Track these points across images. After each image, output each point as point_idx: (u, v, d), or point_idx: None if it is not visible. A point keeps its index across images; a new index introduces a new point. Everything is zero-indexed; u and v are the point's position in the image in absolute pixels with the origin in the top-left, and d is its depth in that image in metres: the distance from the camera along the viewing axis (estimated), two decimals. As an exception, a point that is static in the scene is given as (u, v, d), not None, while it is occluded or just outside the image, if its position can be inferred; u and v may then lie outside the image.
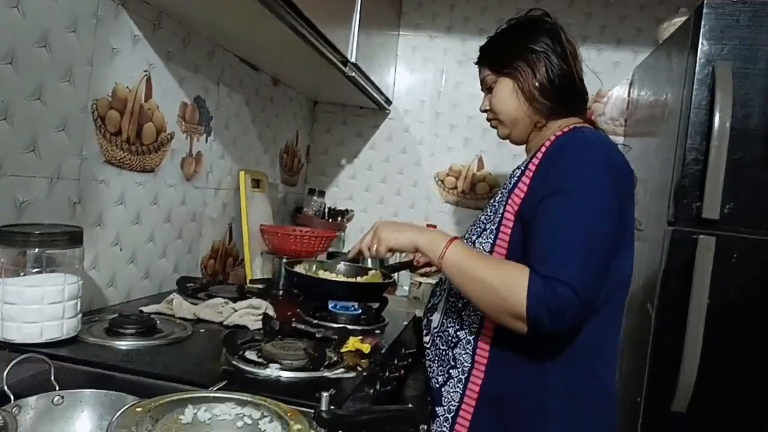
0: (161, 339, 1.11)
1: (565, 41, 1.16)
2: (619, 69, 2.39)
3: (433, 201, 2.57)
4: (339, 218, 2.53)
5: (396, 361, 1.31)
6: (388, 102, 2.53)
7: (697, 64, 1.56)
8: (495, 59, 1.19)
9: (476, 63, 1.25)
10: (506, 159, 2.49)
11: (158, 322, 1.19)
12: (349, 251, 1.31)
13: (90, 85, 1.21)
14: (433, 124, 2.57)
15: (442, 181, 2.56)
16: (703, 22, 1.56)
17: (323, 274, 1.63)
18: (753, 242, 1.55)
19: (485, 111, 1.25)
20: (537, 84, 1.13)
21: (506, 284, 0.97)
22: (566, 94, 1.15)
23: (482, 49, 1.24)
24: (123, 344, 1.06)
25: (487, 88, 1.23)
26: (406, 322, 1.54)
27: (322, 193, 2.54)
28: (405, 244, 1.12)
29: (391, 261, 2.36)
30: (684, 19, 1.81)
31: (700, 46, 1.56)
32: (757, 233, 1.55)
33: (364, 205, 2.62)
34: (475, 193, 2.53)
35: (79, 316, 1.06)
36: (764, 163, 1.53)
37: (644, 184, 1.72)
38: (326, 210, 2.55)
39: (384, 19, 2.31)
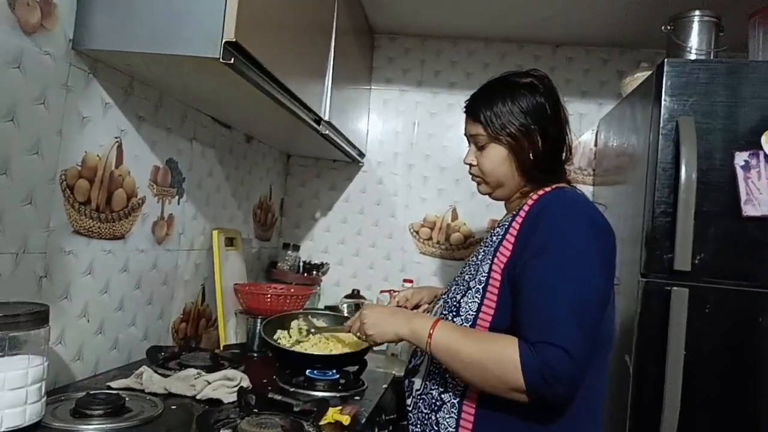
0: (131, 420, 1.06)
1: (561, 108, 1.17)
2: (585, 120, 2.46)
3: (409, 252, 2.56)
4: (314, 272, 2.51)
5: (376, 430, 1.27)
6: (362, 155, 2.55)
7: (662, 119, 1.62)
8: (492, 123, 1.15)
9: (465, 112, 1.22)
10: (480, 209, 2.51)
11: (127, 399, 1.14)
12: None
13: (59, 155, 1.19)
14: (407, 175, 2.58)
15: (417, 233, 2.56)
16: (665, 79, 1.62)
17: (301, 346, 1.56)
18: (725, 292, 1.57)
19: (470, 165, 1.23)
20: (532, 157, 1.14)
21: (498, 361, 0.97)
22: (557, 163, 1.18)
23: (476, 104, 1.19)
24: (90, 428, 1.01)
25: (477, 146, 1.20)
26: (385, 385, 1.51)
27: (296, 247, 2.52)
28: (390, 338, 1.16)
29: None
30: (646, 74, 1.87)
31: (663, 101, 1.62)
32: (729, 283, 1.57)
33: (339, 258, 2.60)
34: (450, 243, 2.54)
35: (44, 399, 1.00)
36: (730, 213, 1.57)
37: (617, 231, 1.74)
38: (301, 264, 2.52)
39: (356, 74, 2.35)
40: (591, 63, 2.48)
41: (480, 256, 1.15)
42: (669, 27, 1.81)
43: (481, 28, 2.43)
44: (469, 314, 1.09)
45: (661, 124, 1.61)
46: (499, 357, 0.97)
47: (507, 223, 1.14)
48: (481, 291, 1.09)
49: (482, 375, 1.00)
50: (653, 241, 1.59)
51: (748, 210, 1.54)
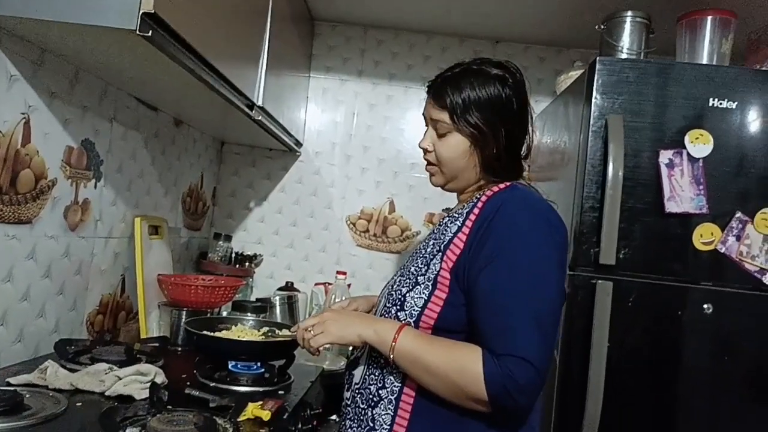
0: (28, 418, 0.97)
1: (529, 105, 1.14)
2: (522, 116, 2.48)
3: (345, 244, 2.53)
4: (246, 263, 2.43)
5: (300, 425, 1.23)
6: (299, 144, 2.49)
7: (592, 116, 1.64)
8: (458, 109, 1.09)
9: (431, 95, 1.14)
10: (417, 202, 2.50)
11: (27, 396, 1.06)
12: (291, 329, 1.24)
13: (-48, 129, 1.08)
14: (344, 166, 2.54)
15: (354, 225, 2.53)
16: (596, 77, 1.64)
17: (225, 333, 1.51)
18: (648, 286, 1.62)
19: (425, 150, 1.17)
20: (494, 149, 1.10)
21: (461, 371, 0.95)
22: (517, 160, 1.15)
23: (443, 87, 1.12)
24: (-21, 428, 0.92)
25: (438, 133, 1.13)
26: (312, 379, 1.47)
27: (228, 238, 2.44)
28: (352, 339, 1.07)
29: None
30: (579, 72, 1.90)
31: (593, 99, 1.64)
32: (652, 277, 1.62)
33: (273, 250, 2.54)
34: (386, 236, 2.52)
35: (-75, 397, 0.91)
36: (655, 210, 1.61)
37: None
38: (233, 255, 2.44)
39: (294, 61, 2.28)
40: (529, 60, 2.51)
41: (429, 250, 1.10)
42: (602, 26, 1.85)
43: (423, 20, 2.42)
44: (414, 309, 1.06)
45: (591, 122, 1.63)
46: (462, 366, 0.95)
47: (459, 219, 1.10)
48: (429, 287, 1.05)
49: (444, 383, 0.97)
50: (580, 235, 1.62)
51: (671, 207, 1.58)
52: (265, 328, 1.58)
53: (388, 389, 1.07)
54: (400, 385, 1.06)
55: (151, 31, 1.07)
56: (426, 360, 0.98)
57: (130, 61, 1.34)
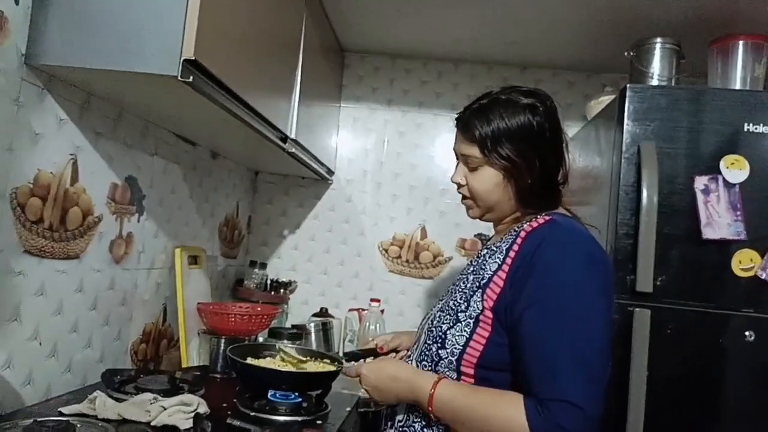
0: (79, 450, 1.01)
1: (562, 132, 1.11)
2: (552, 140, 2.48)
3: (377, 271, 2.55)
4: (282, 290, 2.47)
5: (338, 456, 1.25)
6: (330, 172, 2.53)
7: (624, 143, 1.64)
8: (488, 145, 1.07)
9: (459, 128, 1.13)
10: (449, 228, 2.52)
11: (78, 426, 1.09)
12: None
13: (9, 172, 1.15)
14: (376, 194, 2.58)
15: (386, 251, 2.55)
16: (627, 104, 1.64)
17: (265, 362, 1.53)
18: (687, 313, 1.59)
19: (458, 185, 1.15)
20: (529, 180, 1.06)
21: (505, 427, 0.92)
22: (554, 191, 1.12)
23: (471, 120, 1.10)
24: (34, 459, 0.96)
25: (469, 167, 1.12)
26: (349, 408, 1.48)
27: (263, 265, 2.48)
28: (391, 403, 1.11)
29: (347, 342, 2.31)
30: (610, 98, 1.91)
31: (625, 125, 1.64)
32: (689, 305, 1.59)
33: (307, 276, 2.57)
34: (419, 262, 2.53)
35: (-15, 429, 0.96)
36: (691, 237, 1.59)
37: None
38: (268, 282, 2.48)
39: (325, 92, 2.34)
40: (557, 86, 2.51)
41: (468, 285, 1.08)
42: (632, 53, 1.85)
43: (450, 49, 2.46)
44: (455, 348, 1.03)
45: (624, 148, 1.63)
46: (507, 423, 0.92)
47: (498, 254, 1.07)
48: (471, 325, 1.02)
49: None
50: (616, 262, 1.60)
51: (708, 233, 1.56)
52: (308, 356, 1.59)
53: (433, 427, 1.06)
54: (446, 424, 1.04)
55: (192, 77, 1.13)
56: (467, 416, 0.97)
57: (170, 103, 1.40)
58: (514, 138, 1.06)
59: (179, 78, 1.10)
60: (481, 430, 0.96)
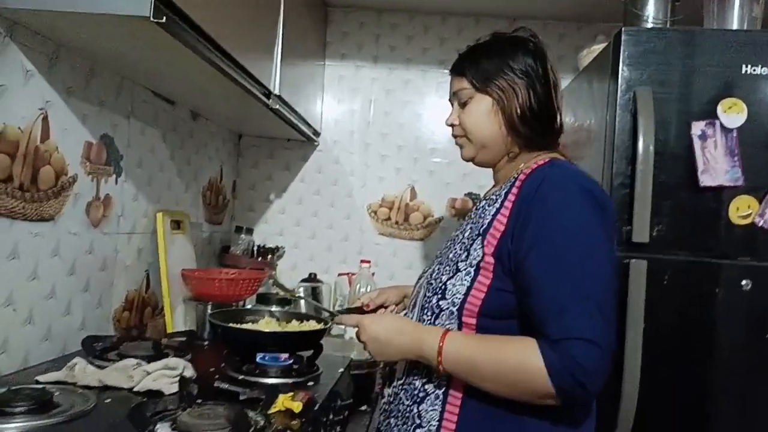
0: (58, 416, 0.96)
1: (550, 69, 1.10)
2: (543, 95, 2.42)
3: (367, 233, 2.50)
4: (269, 256, 2.42)
5: (332, 416, 1.21)
6: (316, 134, 2.46)
7: (619, 90, 1.58)
8: (476, 72, 1.10)
9: (451, 71, 1.16)
10: (439, 187, 2.47)
11: (56, 393, 1.05)
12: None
13: (-30, 127, 1.07)
14: (363, 154, 2.51)
15: (375, 213, 2.50)
16: (622, 48, 1.58)
17: (251, 326, 1.49)
18: (683, 263, 1.56)
19: (452, 126, 1.15)
20: (518, 109, 1.06)
21: (521, 371, 0.89)
22: (545, 126, 1.09)
23: (462, 57, 1.14)
24: (10, 427, 0.91)
25: (461, 103, 1.13)
26: (341, 369, 1.45)
27: (250, 231, 2.42)
28: (390, 359, 1.07)
29: (338, 306, 2.27)
30: (602, 46, 1.84)
31: (620, 71, 1.58)
32: (687, 254, 1.56)
33: (295, 241, 2.52)
34: (409, 223, 2.49)
35: (-44, 396, 0.90)
36: (688, 184, 1.55)
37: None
38: (255, 248, 2.43)
39: (308, 49, 2.25)
40: (548, 38, 2.44)
41: (467, 234, 1.06)
42: (625, -4, 1.78)
43: (437, 1, 2.37)
44: (456, 297, 1.01)
45: (618, 96, 1.57)
46: (520, 364, 0.89)
47: (498, 199, 1.05)
48: (472, 273, 1.00)
49: (506, 387, 0.92)
50: (612, 213, 1.57)
51: (705, 180, 1.52)
52: (294, 320, 1.56)
53: (435, 383, 1.02)
54: (447, 378, 1.01)
55: (164, 17, 1.04)
56: (480, 367, 0.93)
57: (145, 52, 1.31)
58: (501, 65, 1.08)
59: (152, 18, 1.02)
60: (495, 378, 0.93)
